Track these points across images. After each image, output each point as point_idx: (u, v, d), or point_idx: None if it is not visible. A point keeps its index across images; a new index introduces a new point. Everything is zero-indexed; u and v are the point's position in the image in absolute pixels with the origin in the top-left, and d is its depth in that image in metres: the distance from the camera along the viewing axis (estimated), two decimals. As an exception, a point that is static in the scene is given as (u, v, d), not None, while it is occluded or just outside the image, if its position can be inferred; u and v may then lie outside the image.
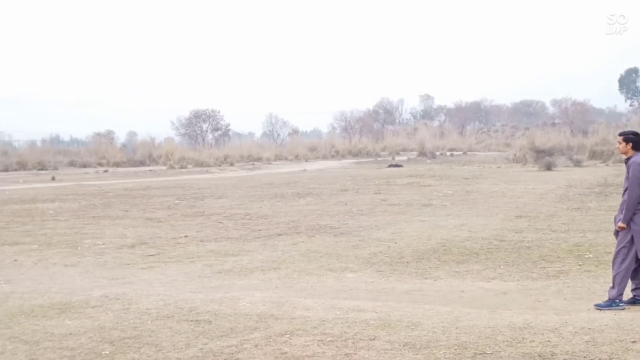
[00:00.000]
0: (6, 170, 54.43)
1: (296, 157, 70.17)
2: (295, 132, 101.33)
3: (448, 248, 11.82)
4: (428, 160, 53.59)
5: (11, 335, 6.40)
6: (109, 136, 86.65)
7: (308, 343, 6.01)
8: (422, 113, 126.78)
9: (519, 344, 5.81)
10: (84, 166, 60.43)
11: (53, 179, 38.90)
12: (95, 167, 59.09)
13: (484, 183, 26.05)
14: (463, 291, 8.63)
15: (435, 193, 22.17)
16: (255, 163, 61.86)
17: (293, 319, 6.85)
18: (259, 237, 13.64)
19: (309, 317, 6.92)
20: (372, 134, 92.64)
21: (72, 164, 62.17)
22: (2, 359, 5.69)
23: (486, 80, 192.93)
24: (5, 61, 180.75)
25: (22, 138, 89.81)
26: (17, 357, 5.74)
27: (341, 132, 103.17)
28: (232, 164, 58.95)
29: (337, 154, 73.79)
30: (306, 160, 66.34)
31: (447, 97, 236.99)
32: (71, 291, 8.56)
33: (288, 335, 6.25)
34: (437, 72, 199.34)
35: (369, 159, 63.08)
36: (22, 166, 57.11)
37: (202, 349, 5.91)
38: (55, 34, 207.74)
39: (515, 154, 45.29)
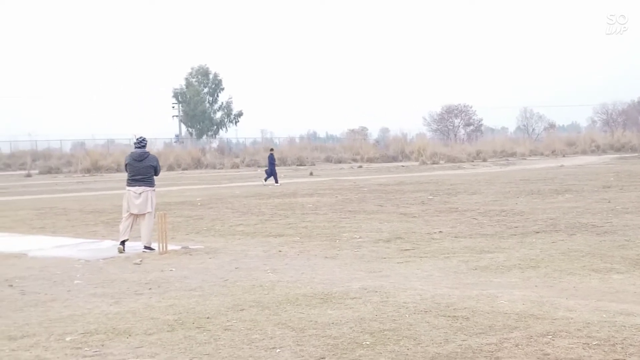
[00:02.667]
0: (269, 166, 58.06)
1: (552, 152, 67.86)
2: (551, 126, 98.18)
3: None
4: (703, 155, 49.12)
5: (279, 322, 6.77)
6: (362, 132, 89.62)
7: (572, 345, 5.73)
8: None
9: None
10: (339, 162, 62.88)
11: (311, 174, 40.81)
12: (349, 163, 61.27)
13: None
14: None
15: None
16: (509, 159, 60.60)
17: (555, 319, 6.57)
18: (515, 235, 13.27)
19: (572, 318, 6.60)
20: (636, 127, 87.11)
21: (328, 159, 64.98)
22: (272, 343, 6.04)
23: None
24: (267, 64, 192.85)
25: (282, 135, 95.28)
26: (285, 342, 6.07)
27: (602, 125, 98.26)
28: (484, 160, 58.25)
29: (597, 149, 70.30)
30: (563, 156, 63.92)
31: None
32: (331, 282, 8.89)
33: (550, 336, 6.00)
34: None
35: (633, 154, 59.29)
36: (282, 162, 60.71)
37: (460, 345, 5.86)
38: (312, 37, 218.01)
39: None
